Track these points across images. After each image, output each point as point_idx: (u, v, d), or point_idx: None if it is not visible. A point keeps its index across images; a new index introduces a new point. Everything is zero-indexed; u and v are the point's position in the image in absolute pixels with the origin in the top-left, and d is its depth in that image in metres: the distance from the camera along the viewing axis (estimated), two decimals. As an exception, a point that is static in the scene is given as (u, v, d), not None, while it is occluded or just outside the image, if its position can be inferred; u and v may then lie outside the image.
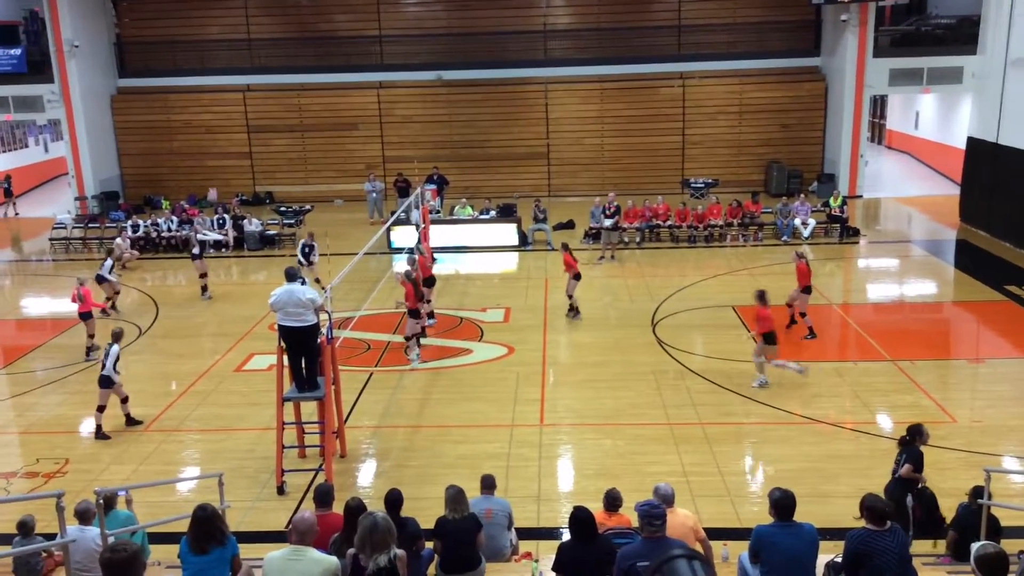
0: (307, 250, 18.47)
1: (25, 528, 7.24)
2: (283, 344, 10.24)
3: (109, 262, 17.31)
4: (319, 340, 10.33)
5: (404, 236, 21.53)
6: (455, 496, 7.00)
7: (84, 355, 14.86)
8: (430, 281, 15.96)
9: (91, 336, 14.93)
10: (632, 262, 20.50)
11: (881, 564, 5.90)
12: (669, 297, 17.25)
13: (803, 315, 14.82)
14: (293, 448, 10.76)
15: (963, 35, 25.37)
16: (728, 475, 10.17)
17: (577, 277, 15.96)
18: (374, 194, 25.11)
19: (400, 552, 5.51)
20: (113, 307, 17.29)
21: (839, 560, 6.30)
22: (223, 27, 29.28)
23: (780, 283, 17.86)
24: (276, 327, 10.36)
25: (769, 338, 12.51)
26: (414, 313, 13.95)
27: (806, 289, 14.70)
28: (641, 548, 5.83)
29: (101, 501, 6.88)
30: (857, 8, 25.27)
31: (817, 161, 28.36)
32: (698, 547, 6.86)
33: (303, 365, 10.33)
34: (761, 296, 12.64)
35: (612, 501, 7.41)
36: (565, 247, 16.33)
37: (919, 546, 7.80)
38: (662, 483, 7.06)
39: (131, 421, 12.18)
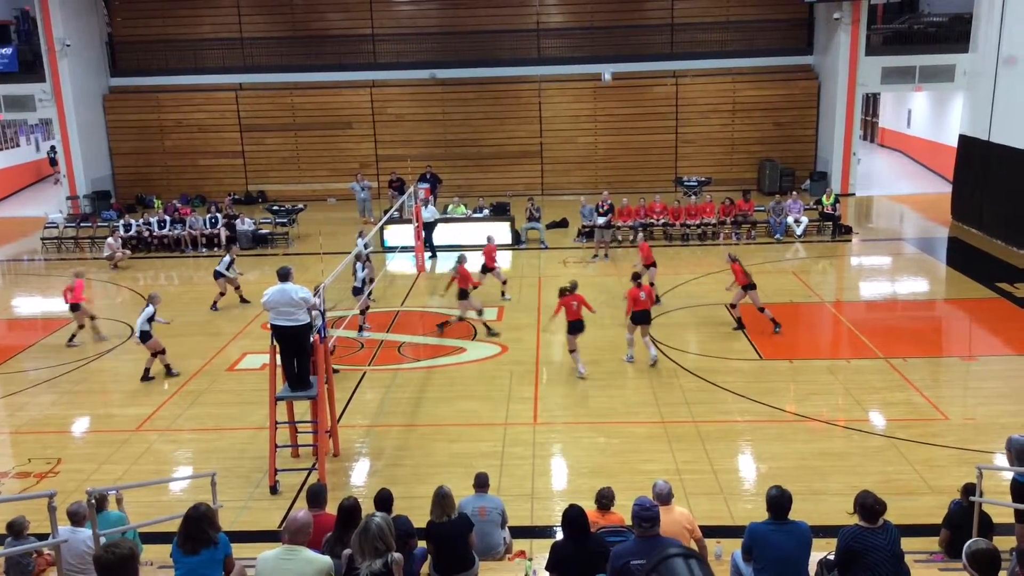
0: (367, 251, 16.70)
1: (14, 529, 7.20)
2: (276, 343, 10.21)
3: (228, 258, 17.62)
4: (312, 339, 10.31)
5: (398, 235, 21.50)
6: (442, 499, 6.92)
7: (67, 341, 15.57)
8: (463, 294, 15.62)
9: (80, 327, 15.54)
10: (626, 260, 20.49)
11: (873, 561, 5.91)
12: (663, 295, 17.25)
13: (761, 310, 14.84)
14: (286, 447, 10.74)
15: (955, 33, 25.44)
16: (721, 473, 10.19)
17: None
18: (363, 194, 25.05)
19: (397, 556, 5.44)
20: (242, 299, 17.70)
21: (832, 558, 6.32)
22: (215, 26, 29.20)
23: (774, 281, 17.95)
24: (269, 326, 10.34)
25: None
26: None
27: (749, 286, 14.78)
28: (634, 547, 5.83)
29: (93, 501, 6.86)
30: (849, 6, 25.32)
31: (810, 159, 28.41)
32: (693, 546, 6.87)
33: (295, 364, 10.30)
34: (634, 277, 13.92)
35: (604, 500, 7.42)
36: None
37: (911, 543, 7.81)
38: (660, 480, 7.07)
39: (170, 372, 13.85)
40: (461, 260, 15.79)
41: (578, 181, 28.54)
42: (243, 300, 17.65)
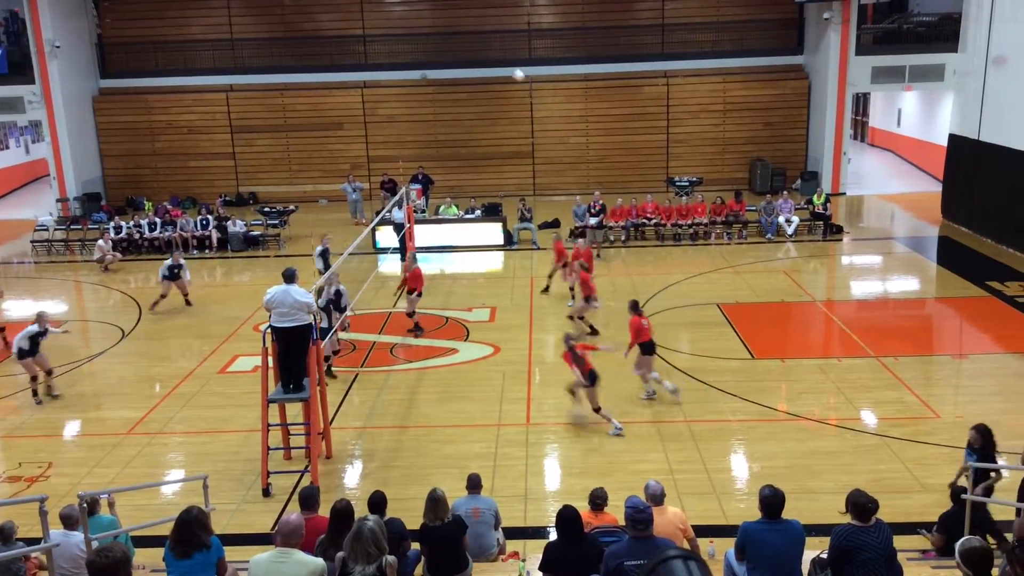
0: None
1: (3, 535, 7.15)
2: (273, 344, 10.15)
3: (169, 262, 17.32)
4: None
5: (390, 236, 21.46)
6: (435, 502, 6.89)
7: None
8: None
9: None
10: (617, 260, 20.53)
11: (866, 559, 5.92)
12: (654, 295, 17.28)
13: (582, 318, 15.23)
14: (278, 450, 10.72)
15: (945, 33, 25.56)
16: (714, 472, 10.21)
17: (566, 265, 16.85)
18: (354, 195, 24.99)
19: (391, 559, 5.42)
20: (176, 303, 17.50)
21: (825, 556, 6.33)
22: (205, 27, 29.10)
23: (764, 281, 18.02)
24: (262, 327, 10.29)
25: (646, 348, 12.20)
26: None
27: (588, 299, 14.89)
28: (628, 547, 5.83)
29: (84, 505, 6.83)
30: (839, 6, 25.41)
31: (800, 159, 28.49)
32: (686, 546, 6.88)
33: (292, 366, 10.24)
34: (634, 306, 12.33)
35: (598, 500, 7.42)
36: (557, 237, 18.52)
37: (903, 542, 7.84)
38: (652, 480, 7.07)
39: (36, 394, 13.06)
40: (412, 259, 15.82)
41: (570, 181, 28.54)
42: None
